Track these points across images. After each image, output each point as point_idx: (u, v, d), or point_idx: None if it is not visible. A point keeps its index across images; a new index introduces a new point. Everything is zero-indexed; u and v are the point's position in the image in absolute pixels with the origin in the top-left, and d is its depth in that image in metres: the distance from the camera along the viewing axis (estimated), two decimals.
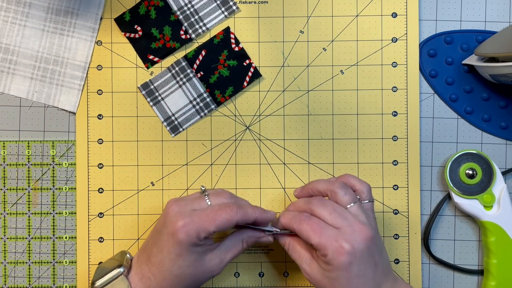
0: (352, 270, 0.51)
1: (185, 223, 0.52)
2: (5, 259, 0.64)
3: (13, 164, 0.64)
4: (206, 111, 0.64)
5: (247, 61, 0.64)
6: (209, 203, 0.55)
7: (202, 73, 0.64)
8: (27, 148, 0.64)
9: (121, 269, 0.55)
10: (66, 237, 0.64)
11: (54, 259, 0.64)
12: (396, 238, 0.64)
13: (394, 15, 0.64)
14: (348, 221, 0.52)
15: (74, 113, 0.64)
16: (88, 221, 0.64)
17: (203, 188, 0.57)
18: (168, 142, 0.64)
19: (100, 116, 0.64)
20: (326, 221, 0.53)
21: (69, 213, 0.64)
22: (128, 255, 0.58)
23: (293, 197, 0.63)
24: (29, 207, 0.64)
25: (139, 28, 0.64)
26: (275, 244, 0.64)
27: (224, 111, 0.64)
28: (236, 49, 0.64)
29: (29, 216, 0.64)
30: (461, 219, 0.64)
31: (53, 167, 0.64)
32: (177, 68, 0.64)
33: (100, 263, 0.62)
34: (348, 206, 0.54)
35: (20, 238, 0.64)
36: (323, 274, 0.52)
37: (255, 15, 0.64)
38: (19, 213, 0.64)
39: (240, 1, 0.64)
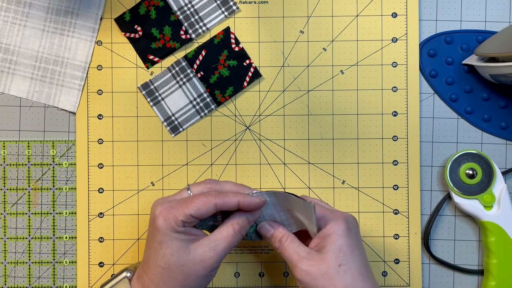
0: (351, 236, 0.52)
1: (162, 209, 0.51)
2: (5, 259, 0.64)
3: (13, 164, 0.64)
4: (206, 111, 0.64)
5: (247, 61, 0.64)
6: (189, 192, 0.54)
7: (202, 73, 0.64)
8: (27, 148, 0.64)
9: (126, 274, 0.56)
10: (66, 237, 0.64)
11: (54, 259, 0.64)
12: (396, 238, 0.64)
13: (394, 15, 0.64)
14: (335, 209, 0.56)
15: (74, 113, 0.64)
16: (88, 221, 0.64)
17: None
18: (168, 142, 0.64)
19: (100, 116, 0.64)
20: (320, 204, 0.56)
21: (69, 213, 0.64)
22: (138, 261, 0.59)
23: None
24: (29, 207, 0.64)
25: (139, 28, 0.64)
26: None
27: (224, 111, 0.64)
28: (236, 49, 0.64)
29: (29, 216, 0.64)
30: (461, 219, 0.64)
31: (53, 167, 0.64)
32: (177, 68, 0.64)
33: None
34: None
35: (20, 238, 0.64)
36: (323, 257, 0.51)
37: (255, 15, 0.64)
38: (19, 213, 0.64)
39: (240, 1, 0.64)
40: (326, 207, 0.55)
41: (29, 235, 0.64)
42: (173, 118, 0.64)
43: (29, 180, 0.64)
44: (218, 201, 0.51)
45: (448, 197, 0.64)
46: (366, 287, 0.50)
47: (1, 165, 0.64)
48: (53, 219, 0.64)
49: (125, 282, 0.55)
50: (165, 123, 0.64)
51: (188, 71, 0.64)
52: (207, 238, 0.52)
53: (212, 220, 0.55)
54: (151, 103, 0.64)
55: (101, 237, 0.64)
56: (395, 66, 0.64)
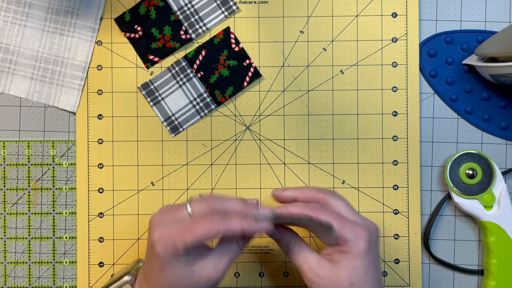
0: (370, 256, 0.49)
1: (160, 234, 0.48)
2: (5, 259, 0.64)
3: (13, 164, 0.64)
4: (206, 111, 0.64)
5: (247, 61, 0.64)
6: (189, 209, 0.50)
7: (202, 73, 0.64)
8: (27, 148, 0.64)
9: (128, 278, 0.55)
10: (66, 237, 0.64)
11: (54, 259, 0.64)
12: (396, 238, 0.64)
13: (394, 15, 0.64)
14: (359, 215, 0.52)
15: (74, 113, 0.64)
16: (88, 221, 0.64)
17: (193, 198, 0.52)
18: (168, 142, 0.64)
19: (100, 116, 0.64)
20: (341, 212, 0.51)
21: (69, 213, 0.64)
22: (140, 263, 0.57)
23: None
24: (29, 207, 0.64)
25: (139, 28, 0.64)
26: (275, 244, 0.64)
27: (224, 111, 0.64)
28: (236, 49, 0.64)
29: (29, 216, 0.64)
30: (461, 219, 0.64)
31: (53, 167, 0.64)
32: (177, 68, 0.64)
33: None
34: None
35: (20, 238, 0.64)
36: (336, 271, 0.49)
37: (255, 15, 0.64)
38: (19, 213, 0.64)
39: (240, 1, 0.64)
40: (348, 215, 0.51)
41: (29, 235, 0.64)
42: (173, 118, 0.64)
43: (29, 180, 0.64)
44: (221, 229, 0.47)
45: (448, 197, 0.64)
46: None
47: (1, 165, 0.64)
48: (53, 219, 0.64)
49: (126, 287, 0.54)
50: (165, 123, 0.64)
51: (188, 71, 0.64)
52: (211, 254, 0.50)
53: None
54: (151, 103, 0.64)
55: (101, 237, 0.64)
56: (395, 66, 0.64)
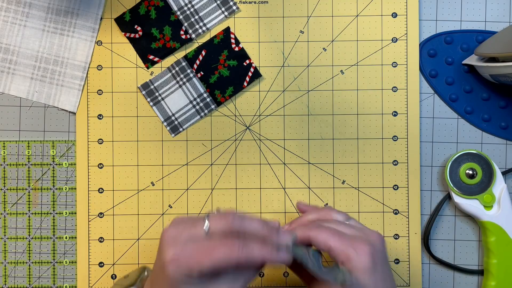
0: (377, 271, 0.47)
1: (175, 255, 0.44)
2: (5, 259, 0.64)
3: (13, 164, 0.64)
4: (206, 111, 0.64)
5: (247, 61, 0.64)
6: (206, 226, 0.45)
7: (202, 73, 0.64)
8: (27, 148, 0.64)
9: (146, 272, 0.54)
10: (66, 237, 0.64)
11: (54, 259, 0.64)
12: (396, 238, 0.64)
13: (394, 15, 0.64)
14: (358, 228, 0.51)
15: (74, 113, 0.64)
16: (88, 221, 0.64)
17: (210, 213, 0.48)
18: (168, 142, 0.64)
19: (100, 116, 0.64)
20: (339, 229, 0.50)
21: (69, 213, 0.64)
22: (146, 273, 0.54)
23: (294, 198, 0.63)
24: (29, 207, 0.64)
25: (139, 28, 0.64)
26: None
27: (224, 111, 0.64)
28: (236, 49, 0.64)
29: (29, 216, 0.64)
30: (461, 219, 0.64)
31: (53, 167, 0.64)
32: (177, 68, 0.64)
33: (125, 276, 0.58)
34: (347, 222, 0.52)
35: (20, 238, 0.64)
36: None
37: (255, 15, 0.64)
38: (19, 213, 0.64)
39: (240, 1, 0.64)
40: (348, 230, 0.48)
41: (29, 235, 0.64)
42: (173, 118, 0.64)
43: (29, 180, 0.64)
44: (242, 256, 0.43)
45: (448, 197, 0.64)
46: None
47: (1, 165, 0.64)
48: (53, 219, 0.64)
49: (143, 279, 0.53)
50: (165, 123, 0.64)
51: (188, 71, 0.64)
52: (225, 277, 0.45)
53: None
54: (151, 103, 0.64)
55: (101, 237, 0.64)
56: (395, 66, 0.64)
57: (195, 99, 0.64)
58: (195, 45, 0.64)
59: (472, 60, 0.62)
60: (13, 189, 0.64)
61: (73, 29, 0.64)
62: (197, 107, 0.64)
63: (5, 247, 0.64)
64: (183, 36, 0.64)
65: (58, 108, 0.64)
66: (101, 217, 0.64)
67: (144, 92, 0.64)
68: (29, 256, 0.64)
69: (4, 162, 0.64)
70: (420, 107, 0.64)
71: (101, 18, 0.64)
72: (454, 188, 0.62)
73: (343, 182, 0.64)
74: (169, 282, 0.44)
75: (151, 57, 0.64)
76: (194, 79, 0.64)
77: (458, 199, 0.62)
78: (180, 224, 0.46)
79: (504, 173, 0.63)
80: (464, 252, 0.64)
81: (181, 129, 0.64)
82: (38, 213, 0.64)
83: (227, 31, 0.64)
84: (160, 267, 0.45)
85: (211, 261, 0.43)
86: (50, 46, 0.63)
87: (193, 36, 0.64)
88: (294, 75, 0.64)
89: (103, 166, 0.64)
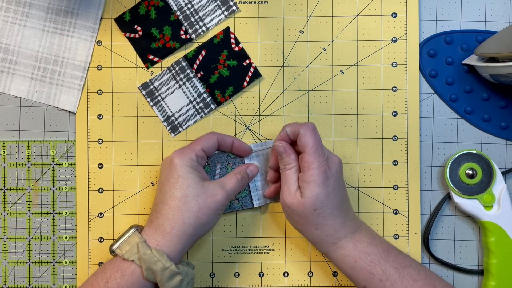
0: (329, 185, 0.56)
1: (176, 152, 0.58)
2: (5, 259, 0.64)
3: (13, 164, 0.64)
4: (206, 111, 0.64)
5: (247, 61, 0.64)
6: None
7: (202, 73, 0.64)
8: (27, 148, 0.64)
9: (134, 229, 0.58)
10: (66, 237, 0.64)
11: (54, 259, 0.64)
12: (396, 238, 0.64)
13: (394, 15, 0.64)
14: (325, 149, 0.59)
15: (74, 113, 0.64)
16: (88, 221, 0.64)
17: None
18: (168, 142, 0.64)
19: (100, 116, 0.64)
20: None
21: (69, 213, 0.64)
22: (132, 229, 0.59)
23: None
24: (29, 207, 0.64)
25: (139, 28, 0.64)
26: (275, 244, 0.64)
27: (224, 111, 0.64)
28: (236, 49, 0.64)
29: (29, 216, 0.64)
30: (461, 219, 0.64)
31: (53, 167, 0.64)
32: (177, 68, 0.64)
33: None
34: None
35: (20, 238, 0.64)
36: (302, 200, 0.56)
37: (255, 15, 0.64)
38: (19, 213, 0.64)
39: (240, 1, 0.64)
40: (314, 149, 0.58)
41: (29, 235, 0.64)
42: (173, 118, 0.64)
43: (29, 180, 0.64)
44: (219, 136, 0.60)
45: (448, 197, 0.64)
46: (335, 223, 0.57)
47: (1, 165, 0.64)
48: (53, 219, 0.64)
49: (136, 234, 0.57)
50: (165, 123, 0.64)
51: (188, 71, 0.64)
52: (216, 180, 0.59)
53: (219, 169, 0.62)
54: (151, 103, 0.64)
55: (101, 237, 0.64)
56: (395, 66, 0.64)
57: (195, 99, 0.64)
58: (195, 45, 0.64)
59: (472, 60, 0.62)
60: (13, 189, 0.64)
61: (73, 29, 0.64)
62: (197, 107, 0.64)
63: (5, 247, 0.64)
64: (183, 36, 0.64)
65: (58, 108, 0.64)
66: (101, 217, 0.64)
67: (144, 92, 0.64)
68: (29, 256, 0.64)
69: (4, 162, 0.64)
70: (420, 107, 0.64)
71: (101, 18, 0.64)
72: (454, 188, 0.62)
73: None
74: (177, 169, 0.57)
75: (151, 57, 0.64)
76: (194, 79, 0.64)
77: (458, 199, 0.62)
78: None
79: (504, 173, 0.63)
80: (464, 252, 0.64)
81: (181, 129, 0.64)
82: (38, 213, 0.64)
83: (227, 31, 0.64)
84: (166, 169, 0.58)
85: (200, 144, 0.59)
86: (50, 46, 0.63)
87: (193, 36, 0.64)
88: (294, 75, 0.64)
89: (103, 166, 0.64)
